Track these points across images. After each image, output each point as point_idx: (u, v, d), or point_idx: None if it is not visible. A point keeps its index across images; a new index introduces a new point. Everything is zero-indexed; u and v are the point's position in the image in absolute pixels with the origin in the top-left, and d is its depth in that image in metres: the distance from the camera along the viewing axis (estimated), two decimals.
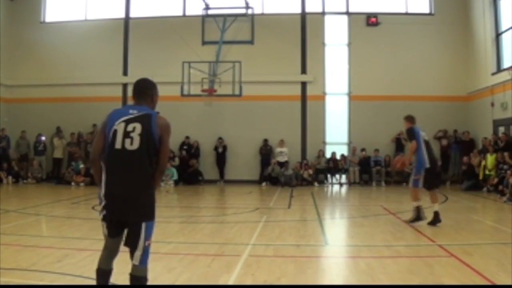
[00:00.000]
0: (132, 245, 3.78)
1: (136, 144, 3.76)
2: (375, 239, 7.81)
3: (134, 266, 3.80)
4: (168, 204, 13.93)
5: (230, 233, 8.33)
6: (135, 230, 3.76)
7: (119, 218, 3.78)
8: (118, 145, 3.77)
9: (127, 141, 3.77)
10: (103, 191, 3.79)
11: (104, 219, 3.83)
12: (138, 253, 3.77)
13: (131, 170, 3.75)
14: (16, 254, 6.28)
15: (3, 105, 20.09)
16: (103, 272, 3.88)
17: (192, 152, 19.42)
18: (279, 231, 8.46)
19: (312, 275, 5.58)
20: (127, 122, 3.81)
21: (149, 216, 3.81)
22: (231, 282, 5.16)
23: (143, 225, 3.76)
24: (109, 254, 3.90)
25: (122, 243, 3.88)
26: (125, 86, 20.15)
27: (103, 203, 3.79)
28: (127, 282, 3.88)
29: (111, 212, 3.76)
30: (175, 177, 18.21)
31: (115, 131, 3.80)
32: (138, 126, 3.79)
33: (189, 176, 18.71)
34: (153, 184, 3.87)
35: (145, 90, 4.05)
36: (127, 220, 3.77)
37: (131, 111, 3.89)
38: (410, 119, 9.21)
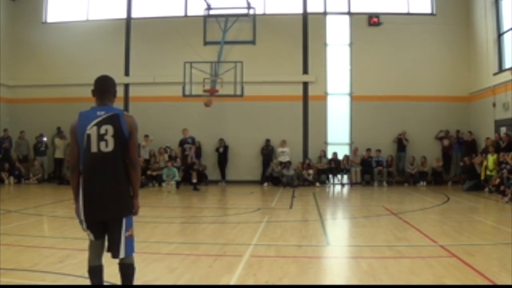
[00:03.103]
0: (114, 242, 3.90)
1: (111, 146, 3.88)
2: (376, 240, 7.80)
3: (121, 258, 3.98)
4: (170, 204, 13.94)
5: (231, 234, 8.32)
6: (116, 226, 3.89)
7: (100, 219, 3.90)
8: (94, 149, 3.87)
9: (102, 144, 3.87)
10: (80, 195, 3.87)
11: (86, 221, 3.89)
12: (122, 246, 3.90)
13: (108, 170, 3.87)
14: (18, 254, 6.28)
15: (5, 106, 20.12)
16: (95, 269, 3.97)
17: None
18: (281, 231, 8.45)
19: (313, 275, 5.57)
20: (99, 125, 3.89)
21: (128, 210, 3.96)
22: (232, 283, 5.15)
23: (124, 220, 3.91)
24: (96, 252, 4.00)
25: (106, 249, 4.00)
26: (126, 86, 20.18)
27: (81, 205, 3.87)
28: None
29: (92, 213, 3.86)
30: (177, 177, 18.19)
31: (89, 135, 3.88)
32: (110, 128, 3.89)
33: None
34: (128, 180, 3.96)
35: (109, 88, 4.13)
36: (108, 219, 3.90)
37: (98, 112, 3.95)
38: None
